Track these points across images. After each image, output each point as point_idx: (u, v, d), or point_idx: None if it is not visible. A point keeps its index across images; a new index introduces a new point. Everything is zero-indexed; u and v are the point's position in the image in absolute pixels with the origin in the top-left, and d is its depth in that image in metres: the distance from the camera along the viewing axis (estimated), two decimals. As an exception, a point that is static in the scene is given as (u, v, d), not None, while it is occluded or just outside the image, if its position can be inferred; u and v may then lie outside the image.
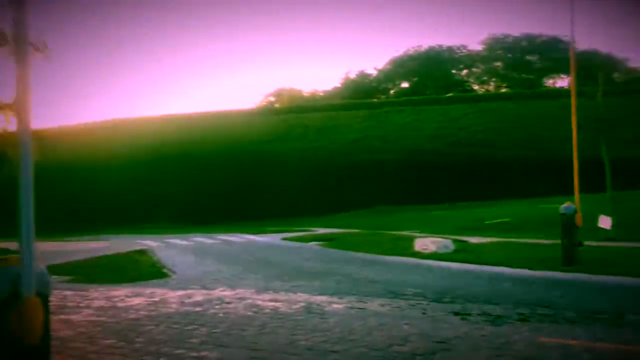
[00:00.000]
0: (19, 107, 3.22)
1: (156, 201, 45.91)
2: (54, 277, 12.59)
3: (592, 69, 34.76)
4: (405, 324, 6.37)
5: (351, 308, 7.49)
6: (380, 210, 41.56)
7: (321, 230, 27.71)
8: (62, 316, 7.34)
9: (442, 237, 16.69)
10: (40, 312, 3.05)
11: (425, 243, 15.52)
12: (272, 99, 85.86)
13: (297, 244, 20.25)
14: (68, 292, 9.61)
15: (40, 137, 23.85)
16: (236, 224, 38.43)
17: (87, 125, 62.14)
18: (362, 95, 76.22)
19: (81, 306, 8.24)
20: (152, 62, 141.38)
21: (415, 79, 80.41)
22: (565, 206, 12.20)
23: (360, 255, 15.81)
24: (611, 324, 6.32)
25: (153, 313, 7.47)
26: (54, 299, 8.73)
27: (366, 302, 7.89)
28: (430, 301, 8.02)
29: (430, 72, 77.00)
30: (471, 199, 41.80)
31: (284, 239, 22.89)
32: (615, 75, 65.14)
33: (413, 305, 7.64)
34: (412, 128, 55.32)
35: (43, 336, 3.12)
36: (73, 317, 7.34)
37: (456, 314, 6.94)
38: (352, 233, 24.83)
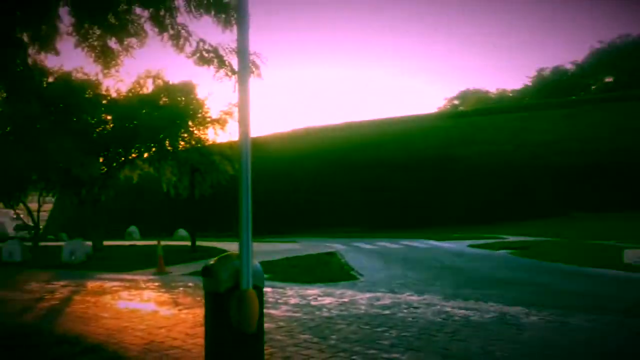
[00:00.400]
0: (240, 120, 3.64)
1: (339, 205, 47.75)
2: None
3: None
4: (616, 343, 5.73)
5: (550, 321, 6.96)
6: (577, 217, 38.00)
7: (511, 238, 26.28)
8: (264, 310, 8.02)
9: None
10: (257, 302, 3.38)
11: (636, 255, 13.74)
12: (456, 102, 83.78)
13: (486, 252, 19.44)
14: (267, 289, 10.44)
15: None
16: (420, 230, 38.25)
17: (279, 134, 67.17)
18: (557, 93, 70.23)
19: (279, 302, 8.91)
20: (338, 72, 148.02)
21: (622, 72, 71.54)
22: None
23: (557, 265, 14.61)
24: None
25: (344, 313, 7.78)
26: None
27: (567, 317, 7.26)
28: (646, 320, 7.11)
29: (640, 64, 67.86)
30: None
31: (471, 245, 22.16)
32: None
33: (622, 324, 6.84)
34: (617, 127, 49.41)
35: (258, 325, 3.45)
36: (273, 312, 7.97)
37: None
38: (546, 241, 23.10)
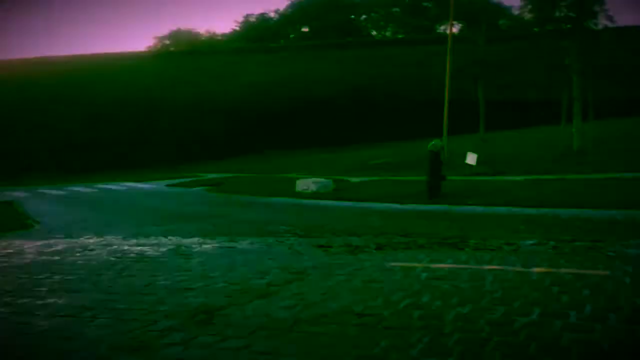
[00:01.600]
0: None
1: (29, 149, 42.50)
2: None
3: (479, 15, 36.15)
4: (270, 259, 6.48)
5: (220, 247, 7.49)
6: (270, 155, 41.74)
7: (210, 176, 27.37)
8: None
9: (323, 178, 17.05)
10: None
11: (306, 183, 15.78)
12: (167, 42, 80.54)
13: (181, 190, 19.85)
14: None
15: None
16: (124, 173, 36.69)
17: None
18: (262, 39, 74.27)
19: None
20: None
21: (315, 23, 78.75)
22: (432, 143, 12.91)
23: (244, 198, 15.83)
24: (454, 247, 6.81)
25: (4, 264, 7.01)
26: None
27: (237, 242, 7.92)
28: (299, 237, 8.25)
29: (330, 17, 75.75)
30: (360, 141, 43.08)
31: (169, 185, 22.32)
32: (502, 22, 66.24)
33: (281, 242, 7.79)
34: (308, 73, 54.80)
35: None
36: None
37: (320, 246, 7.18)
38: (238, 177, 24.72)
